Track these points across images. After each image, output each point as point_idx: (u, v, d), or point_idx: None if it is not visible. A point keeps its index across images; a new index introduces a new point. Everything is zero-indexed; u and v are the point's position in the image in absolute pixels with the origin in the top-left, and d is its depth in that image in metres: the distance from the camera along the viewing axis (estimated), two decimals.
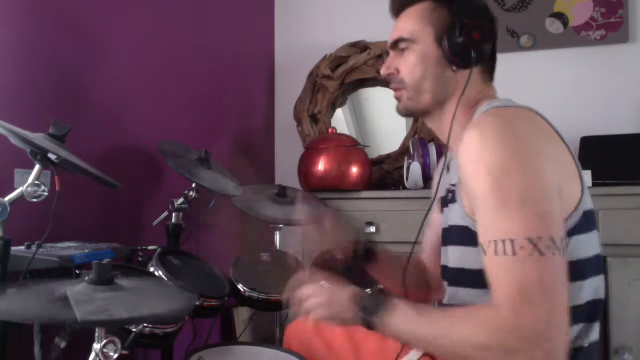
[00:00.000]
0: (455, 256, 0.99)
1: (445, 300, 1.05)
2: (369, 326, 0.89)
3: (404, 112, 1.08)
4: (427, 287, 1.24)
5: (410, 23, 1.04)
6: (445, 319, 0.84)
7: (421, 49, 1.02)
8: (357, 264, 1.24)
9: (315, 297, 0.95)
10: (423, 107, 1.05)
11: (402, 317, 0.86)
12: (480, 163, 0.84)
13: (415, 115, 1.12)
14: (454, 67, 1.00)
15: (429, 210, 1.07)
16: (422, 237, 1.15)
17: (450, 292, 1.03)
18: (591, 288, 0.90)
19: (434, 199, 1.10)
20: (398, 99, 1.07)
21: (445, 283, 1.06)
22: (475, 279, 0.94)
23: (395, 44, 1.06)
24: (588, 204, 0.91)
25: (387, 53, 1.10)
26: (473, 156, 0.86)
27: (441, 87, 1.02)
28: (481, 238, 0.84)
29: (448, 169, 1.08)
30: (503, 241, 0.79)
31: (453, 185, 1.01)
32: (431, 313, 0.87)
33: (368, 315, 0.89)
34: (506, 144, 0.83)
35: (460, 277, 0.99)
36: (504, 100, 0.99)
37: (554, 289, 0.76)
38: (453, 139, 1.03)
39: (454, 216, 0.99)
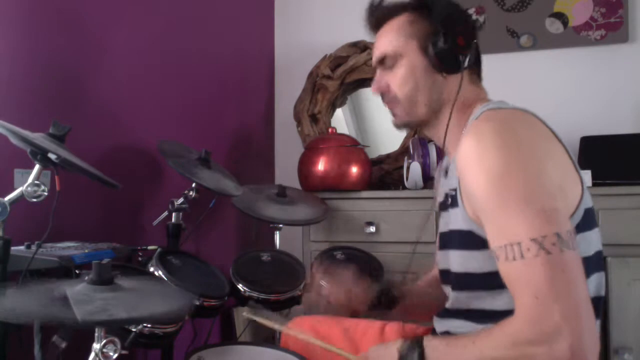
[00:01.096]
0: (459, 261, 0.99)
1: (448, 305, 1.05)
2: None
3: (402, 126, 1.09)
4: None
5: (392, 38, 1.04)
6: (470, 343, 0.85)
7: (408, 62, 1.02)
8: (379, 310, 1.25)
9: None
10: (420, 118, 1.05)
11: (428, 344, 0.88)
12: (480, 167, 0.84)
13: (412, 127, 1.14)
14: (443, 74, 1.01)
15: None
16: (423, 238, 1.15)
17: (455, 296, 1.03)
18: (593, 285, 0.91)
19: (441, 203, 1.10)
20: (393, 114, 1.08)
21: (448, 288, 1.06)
22: (480, 282, 0.94)
23: (381, 61, 1.06)
24: (588, 202, 0.91)
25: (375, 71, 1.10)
26: (471, 162, 0.86)
27: (434, 96, 1.03)
28: (491, 244, 0.85)
29: (446, 173, 1.08)
30: (511, 245, 0.80)
31: (453, 190, 1.01)
32: (459, 341, 0.88)
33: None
34: (504, 147, 0.84)
35: (465, 281, 0.99)
36: (498, 102, 0.99)
37: (566, 286, 0.76)
38: (450, 143, 1.04)
39: (456, 220, 0.99)
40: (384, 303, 1.23)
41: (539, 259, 0.77)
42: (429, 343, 0.89)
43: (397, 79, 1.04)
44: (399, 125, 1.09)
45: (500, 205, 0.82)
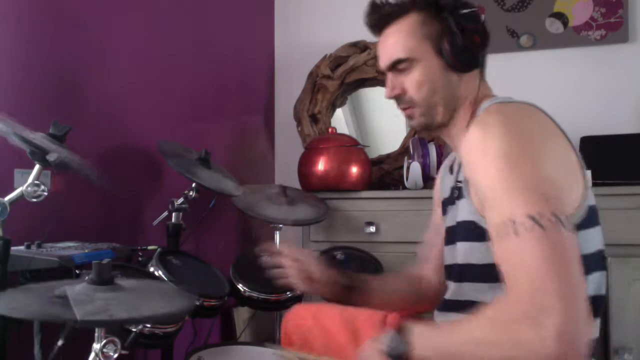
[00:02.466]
0: (463, 252, 0.99)
1: (447, 296, 1.05)
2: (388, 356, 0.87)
3: (421, 129, 1.07)
4: (418, 301, 1.23)
5: (403, 41, 1.01)
6: (458, 325, 0.83)
7: (424, 64, 1.00)
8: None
9: None
10: (439, 120, 1.03)
11: (423, 341, 0.84)
12: (485, 155, 0.84)
13: (433, 130, 1.08)
14: (458, 74, 1.00)
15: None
16: (421, 238, 1.15)
17: (455, 287, 1.03)
18: (593, 284, 0.91)
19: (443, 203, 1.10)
20: (410, 117, 1.06)
21: (450, 281, 1.06)
22: (481, 273, 0.95)
23: (393, 66, 1.03)
24: (591, 199, 0.91)
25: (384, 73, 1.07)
26: (477, 150, 0.86)
27: (451, 96, 1.02)
28: (489, 228, 0.83)
29: (451, 170, 1.08)
30: (505, 223, 0.77)
31: (459, 182, 1.01)
32: (447, 325, 0.87)
33: (386, 349, 0.87)
34: (509, 136, 0.83)
35: (466, 272, 0.99)
36: (505, 97, 0.99)
37: (560, 263, 0.72)
38: (458, 139, 1.04)
39: (463, 212, 0.99)
40: (341, 290, 1.22)
41: (534, 234, 0.74)
42: (415, 329, 0.86)
43: (413, 82, 1.01)
44: (418, 130, 1.08)
45: (502, 190, 0.81)
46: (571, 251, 0.75)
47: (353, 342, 1.19)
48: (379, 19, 1.05)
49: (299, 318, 1.29)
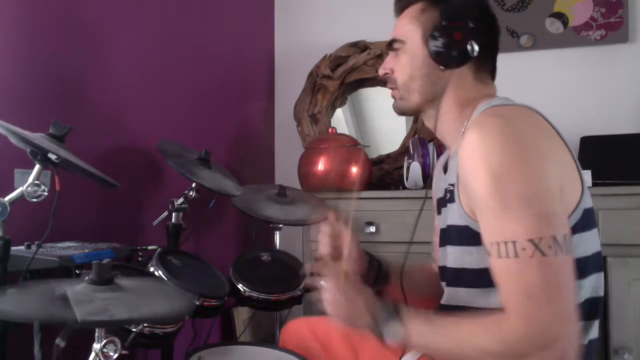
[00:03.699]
0: (455, 256, 0.99)
1: (443, 301, 1.05)
2: (379, 336, 0.91)
3: (398, 112, 1.11)
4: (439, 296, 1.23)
5: (404, 24, 1.06)
6: (456, 327, 0.86)
7: (410, 49, 1.04)
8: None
9: (333, 295, 0.96)
10: (414, 107, 1.06)
11: (413, 327, 0.88)
12: (481, 163, 0.84)
13: (408, 114, 1.14)
14: (441, 67, 1.00)
15: (421, 210, 1.09)
16: (418, 238, 1.14)
17: (450, 292, 1.03)
18: (590, 286, 0.91)
19: (424, 201, 1.10)
20: (393, 97, 1.10)
21: (444, 283, 1.06)
22: (475, 278, 0.94)
23: (390, 44, 1.08)
24: (588, 202, 0.91)
25: (387, 53, 1.11)
26: (474, 156, 0.86)
27: (429, 87, 1.03)
28: (485, 240, 0.85)
29: (445, 170, 1.08)
30: (505, 243, 0.80)
31: (451, 185, 1.01)
32: (441, 322, 0.89)
33: (379, 325, 0.90)
34: (507, 144, 0.84)
35: (460, 277, 0.99)
36: (503, 99, 0.99)
37: (558, 288, 0.78)
38: (450, 138, 1.04)
39: (453, 216, 0.99)
40: (374, 279, 1.22)
41: (534, 259, 0.78)
42: (408, 314, 0.90)
43: (399, 64, 1.06)
44: (396, 111, 1.11)
45: (499, 203, 0.82)
46: (568, 275, 0.80)
47: (351, 354, 1.19)
48: (398, 5, 1.10)
49: (297, 331, 1.28)
